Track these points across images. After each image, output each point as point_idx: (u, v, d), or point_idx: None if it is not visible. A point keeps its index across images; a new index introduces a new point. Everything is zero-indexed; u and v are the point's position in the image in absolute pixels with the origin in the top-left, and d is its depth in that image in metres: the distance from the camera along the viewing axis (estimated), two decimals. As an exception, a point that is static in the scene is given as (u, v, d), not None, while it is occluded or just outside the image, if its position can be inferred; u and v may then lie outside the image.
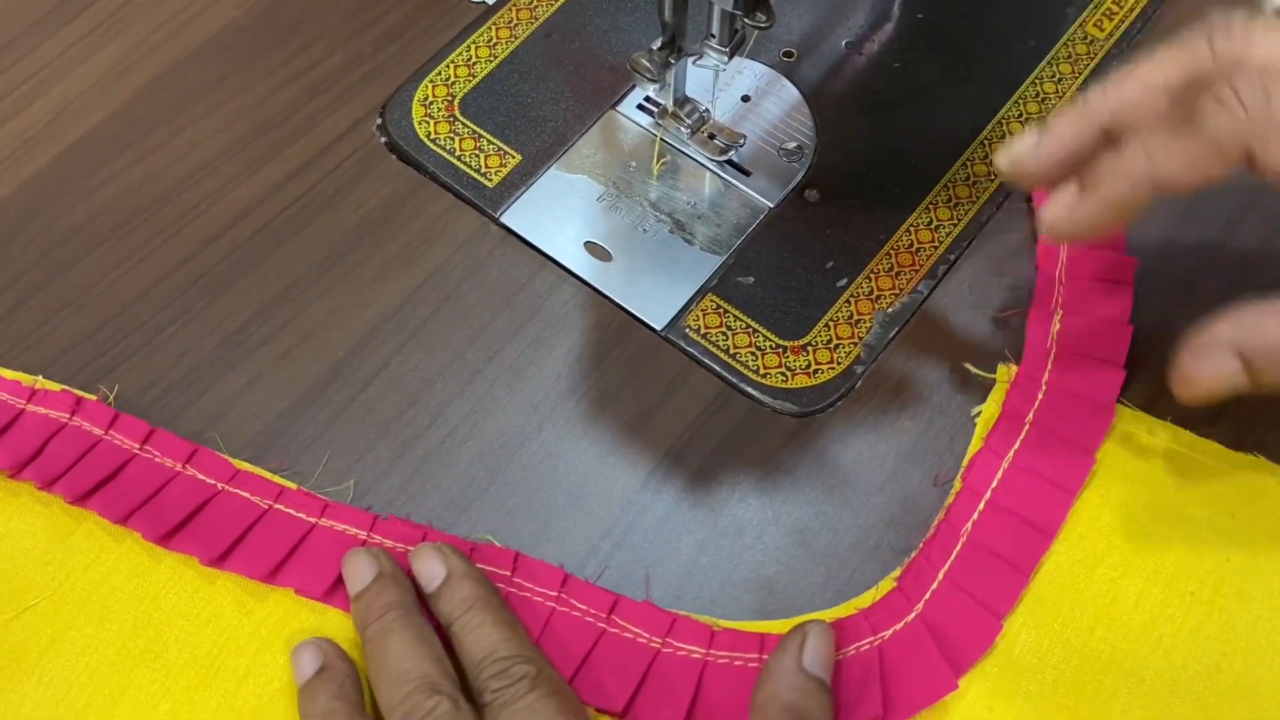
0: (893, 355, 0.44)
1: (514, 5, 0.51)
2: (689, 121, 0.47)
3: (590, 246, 0.46)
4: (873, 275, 0.45)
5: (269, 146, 0.48)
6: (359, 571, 0.38)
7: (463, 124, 0.48)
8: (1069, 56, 0.50)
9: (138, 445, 0.41)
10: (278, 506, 0.40)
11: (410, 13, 0.52)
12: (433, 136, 0.48)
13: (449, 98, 0.49)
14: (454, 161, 0.47)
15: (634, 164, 0.48)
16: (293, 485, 0.41)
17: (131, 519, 0.40)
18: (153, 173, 0.48)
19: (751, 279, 0.45)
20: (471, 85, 0.49)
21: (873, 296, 0.45)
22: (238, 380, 0.43)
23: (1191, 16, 0.51)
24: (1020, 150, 0.38)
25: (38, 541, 0.40)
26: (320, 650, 0.37)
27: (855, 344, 0.44)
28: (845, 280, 0.45)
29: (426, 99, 0.49)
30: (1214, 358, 0.36)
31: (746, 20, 0.39)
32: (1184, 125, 0.34)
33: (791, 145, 0.48)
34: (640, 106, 0.49)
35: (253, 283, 0.45)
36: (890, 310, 0.44)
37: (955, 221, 0.46)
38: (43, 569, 0.39)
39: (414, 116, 0.48)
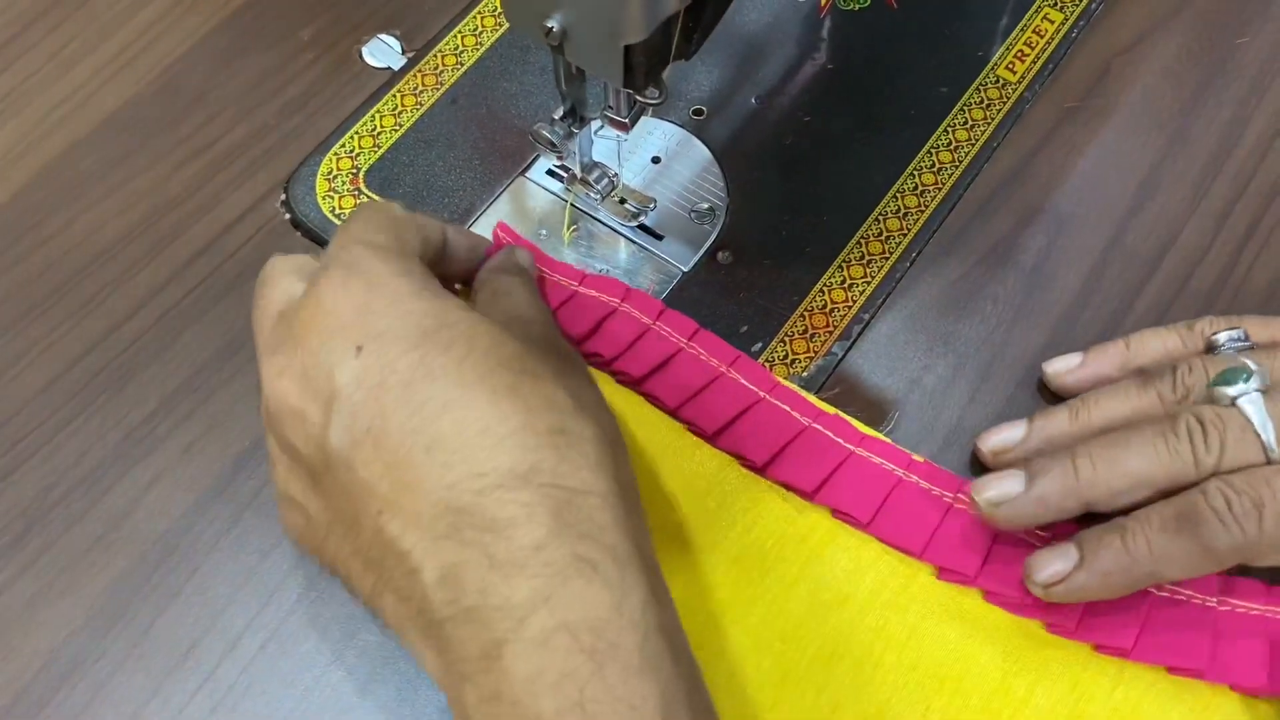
0: (809, 420, 0.43)
1: (419, 71, 0.50)
2: (598, 187, 0.46)
3: (501, 320, 0.45)
4: (787, 339, 0.45)
5: (171, 228, 0.47)
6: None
7: (368, 197, 0.47)
8: (981, 102, 0.50)
9: (685, 340, 0.43)
10: (816, 426, 0.42)
11: (314, 81, 0.51)
12: (337, 211, 0.47)
13: (353, 170, 0.48)
14: (360, 237, 0.46)
15: (545, 231, 0.47)
16: (829, 409, 0.42)
17: (684, 409, 0.42)
18: (52, 260, 0.47)
19: (665, 347, 0.44)
20: (376, 156, 0.48)
21: (788, 361, 0.44)
22: (142, 477, 0.42)
23: (1101, 56, 0.51)
24: (1001, 493, 0.39)
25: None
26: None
27: (771, 411, 0.43)
28: (760, 345, 0.44)
29: (331, 173, 0.48)
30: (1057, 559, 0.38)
31: (638, 97, 0.39)
32: (1184, 530, 0.36)
33: (703, 206, 0.47)
34: (550, 172, 0.48)
35: (156, 373, 0.44)
36: (805, 375, 0.44)
37: (868, 280, 0.46)
38: None
39: (318, 192, 0.47)
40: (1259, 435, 0.36)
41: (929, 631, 0.39)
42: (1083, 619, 0.39)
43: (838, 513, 0.41)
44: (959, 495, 0.41)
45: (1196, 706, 0.38)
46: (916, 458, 0.42)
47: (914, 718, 0.38)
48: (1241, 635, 0.38)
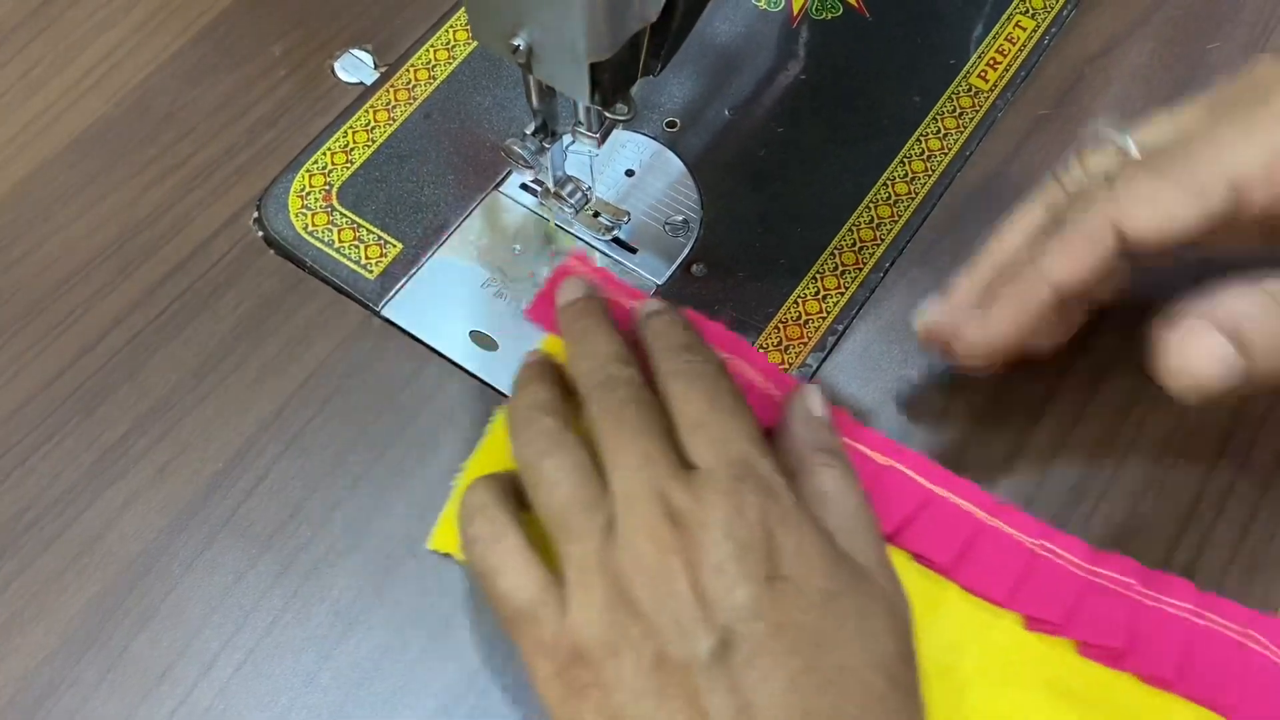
0: (785, 432, 0.43)
1: (392, 86, 0.50)
2: (571, 201, 0.46)
3: (476, 336, 0.45)
4: (762, 351, 0.44)
5: (143, 247, 0.47)
6: (571, 290, 0.40)
7: (341, 214, 0.47)
8: (954, 110, 0.50)
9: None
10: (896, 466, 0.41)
11: (285, 98, 0.50)
12: (310, 229, 0.47)
13: (326, 187, 0.48)
14: (333, 254, 0.46)
15: (518, 247, 0.47)
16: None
17: None
18: (22, 282, 0.46)
19: (640, 361, 0.44)
20: (349, 173, 0.48)
21: (762, 373, 0.44)
22: (115, 499, 0.42)
23: (1073, 62, 0.51)
24: (928, 314, 0.41)
25: None
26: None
27: (746, 423, 0.43)
28: (735, 357, 0.44)
29: (304, 189, 0.48)
30: (1203, 336, 0.33)
31: (607, 114, 0.39)
32: (1056, 230, 0.38)
33: (677, 219, 0.47)
34: (524, 187, 0.48)
35: (128, 393, 0.44)
36: (780, 387, 0.44)
37: (842, 290, 0.46)
38: None
39: (290, 209, 0.47)
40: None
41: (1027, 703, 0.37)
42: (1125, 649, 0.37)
43: (919, 557, 0.39)
44: (1043, 543, 0.39)
45: None
46: (1000, 501, 0.40)
47: None
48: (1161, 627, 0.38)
